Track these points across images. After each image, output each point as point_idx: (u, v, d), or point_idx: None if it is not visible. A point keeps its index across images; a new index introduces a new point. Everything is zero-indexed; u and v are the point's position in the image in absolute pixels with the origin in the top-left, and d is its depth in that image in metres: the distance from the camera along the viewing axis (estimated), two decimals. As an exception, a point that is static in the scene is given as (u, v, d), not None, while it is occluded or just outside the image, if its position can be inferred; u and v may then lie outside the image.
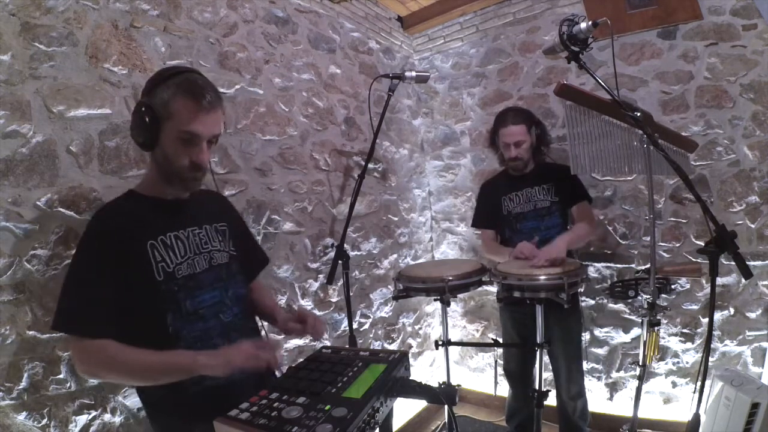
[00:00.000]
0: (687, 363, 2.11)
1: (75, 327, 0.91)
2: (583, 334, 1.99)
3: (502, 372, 2.14)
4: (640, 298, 1.66)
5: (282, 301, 1.85)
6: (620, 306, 2.25)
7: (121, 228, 0.97)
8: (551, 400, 1.83)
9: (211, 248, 1.09)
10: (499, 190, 2.08)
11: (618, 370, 2.29)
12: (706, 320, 2.04)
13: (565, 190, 1.93)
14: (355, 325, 2.19)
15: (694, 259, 2.04)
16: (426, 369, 2.78)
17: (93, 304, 0.90)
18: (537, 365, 1.75)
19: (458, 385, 1.00)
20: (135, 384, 0.96)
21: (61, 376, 1.13)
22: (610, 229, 2.26)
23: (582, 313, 2.04)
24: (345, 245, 1.72)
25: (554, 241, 1.71)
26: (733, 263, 1.06)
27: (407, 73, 1.86)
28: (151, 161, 1.05)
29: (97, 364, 0.90)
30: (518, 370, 2.05)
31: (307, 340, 1.88)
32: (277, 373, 1.11)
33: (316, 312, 2.02)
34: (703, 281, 2.05)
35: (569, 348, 1.91)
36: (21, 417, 1.04)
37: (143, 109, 0.95)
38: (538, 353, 1.70)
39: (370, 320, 2.36)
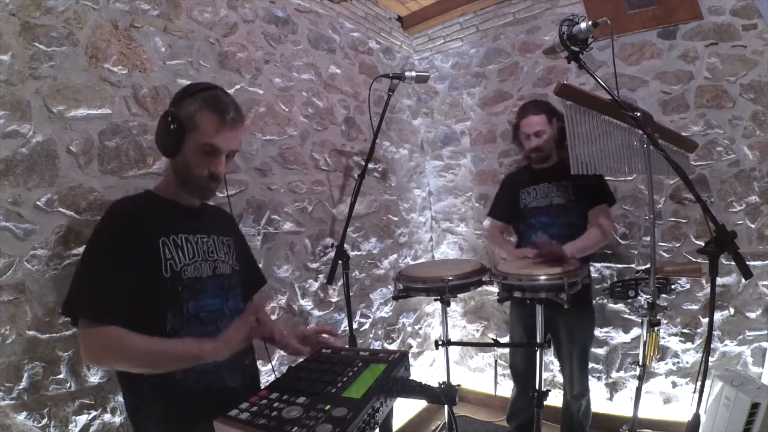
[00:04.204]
0: (687, 363, 2.11)
1: (85, 312, 0.92)
2: (593, 335, 1.97)
3: (504, 371, 2.13)
4: (640, 298, 1.65)
5: (282, 301, 1.85)
6: (620, 306, 2.25)
7: (136, 221, 1.00)
8: (552, 401, 1.83)
9: (216, 257, 1.12)
10: (518, 183, 2.06)
11: (618, 370, 2.29)
12: (706, 320, 2.04)
13: (585, 190, 1.87)
14: (355, 325, 2.19)
15: (694, 259, 2.04)
16: (426, 369, 2.78)
17: (103, 291, 0.92)
18: (537, 365, 1.75)
19: (458, 385, 1.00)
20: (141, 371, 0.98)
21: (61, 376, 1.13)
22: (610, 229, 2.26)
23: (594, 314, 2.02)
24: (345, 245, 1.72)
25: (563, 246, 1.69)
26: (733, 263, 1.06)
27: (407, 73, 1.86)
28: (170, 167, 1.10)
29: (104, 350, 0.91)
30: (523, 368, 2.04)
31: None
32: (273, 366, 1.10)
33: (316, 312, 2.02)
34: (703, 281, 2.05)
35: (577, 348, 1.90)
36: (21, 417, 1.04)
37: (170, 118, 1.01)
38: (538, 353, 1.70)
39: (370, 320, 2.35)
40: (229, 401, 0.83)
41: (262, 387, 0.92)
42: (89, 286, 0.93)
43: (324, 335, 1.19)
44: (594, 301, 2.20)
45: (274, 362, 1.76)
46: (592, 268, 2.29)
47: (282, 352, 1.78)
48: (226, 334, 0.94)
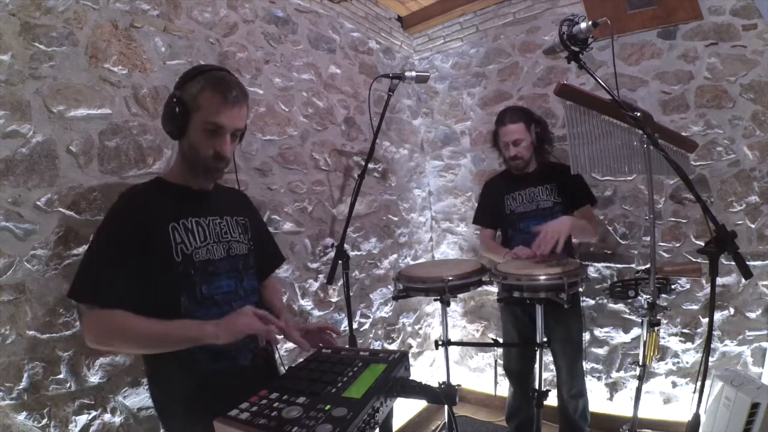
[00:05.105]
0: (687, 363, 2.11)
1: (88, 296, 0.96)
2: (583, 333, 1.99)
3: (503, 372, 2.14)
4: (640, 298, 1.65)
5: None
6: (620, 306, 2.25)
7: (146, 207, 1.01)
8: (551, 400, 1.83)
9: (230, 238, 1.14)
10: (501, 189, 2.08)
11: (618, 370, 2.29)
12: (706, 320, 2.04)
13: (568, 190, 1.93)
14: (355, 325, 2.19)
15: (694, 259, 2.04)
16: (426, 369, 2.78)
17: (107, 276, 0.94)
18: (537, 365, 1.75)
19: (458, 385, 1.00)
20: (141, 351, 1.02)
21: (61, 376, 1.13)
22: (610, 229, 2.26)
23: (583, 313, 2.04)
24: (345, 245, 1.72)
25: (559, 218, 1.72)
26: (733, 263, 1.06)
27: (407, 73, 1.86)
28: (179, 151, 1.11)
29: (105, 332, 0.94)
30: (518, 369, 2.05)
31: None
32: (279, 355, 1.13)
33: (316, 312, 2.02)
34: (703, 281, 2.05)
35: (570, 347, 1.92)
36: (21, 417, 1.04)
37: (174, 100, 1.02)
38: (538, 353, 1.70)
39: (370, 320, 2.35)
40: (247, 383, 0.87)
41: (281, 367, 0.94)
42: (94, 271, 0.95)
43: (328, 332, 1.20)
44: (582, 300, 2.23)
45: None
46: (591, 268, 2.30)
47: (283, 352, 1.78)
48: (228, 320, 0.95)
